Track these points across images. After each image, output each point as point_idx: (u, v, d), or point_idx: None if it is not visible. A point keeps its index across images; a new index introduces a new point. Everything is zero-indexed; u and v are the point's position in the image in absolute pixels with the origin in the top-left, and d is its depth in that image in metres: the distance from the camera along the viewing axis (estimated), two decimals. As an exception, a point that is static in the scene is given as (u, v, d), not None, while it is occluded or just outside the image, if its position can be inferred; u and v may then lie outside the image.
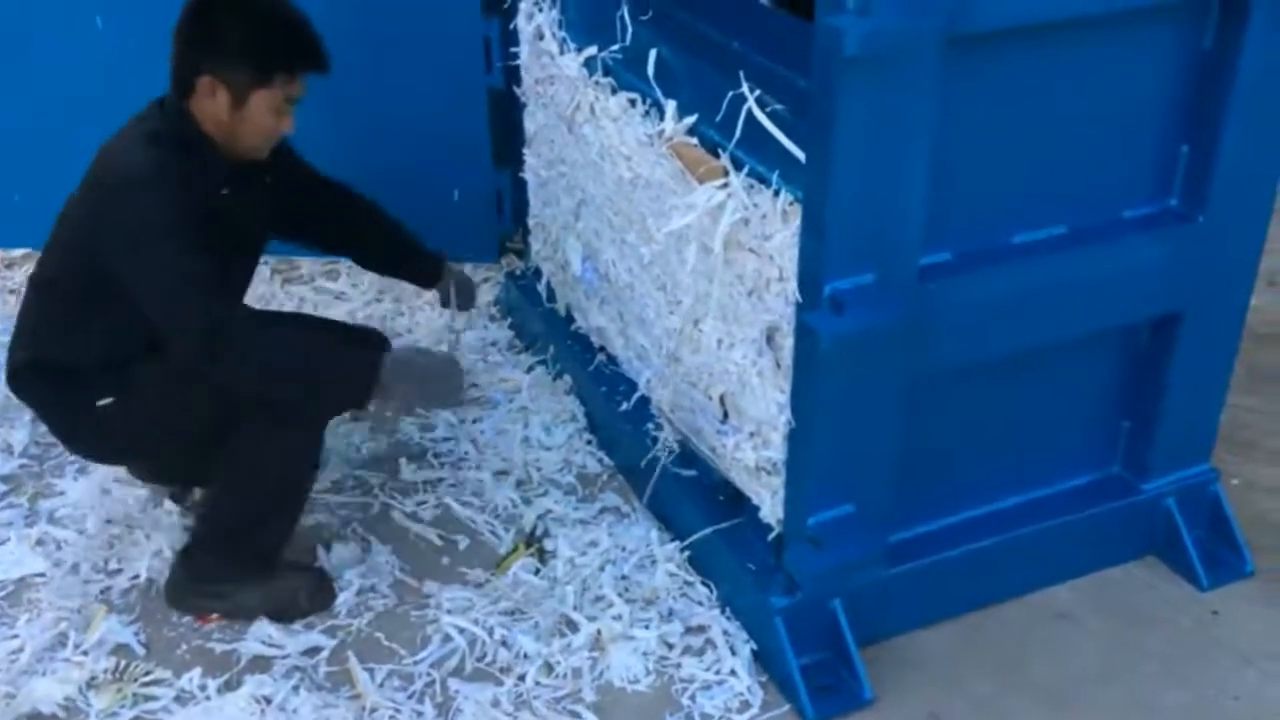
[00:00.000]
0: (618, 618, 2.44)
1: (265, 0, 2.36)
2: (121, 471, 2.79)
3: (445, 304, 2.87)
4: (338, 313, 3.40)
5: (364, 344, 2.71)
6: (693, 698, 2.29)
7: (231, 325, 2.23)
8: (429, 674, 2.35)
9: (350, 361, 2.37)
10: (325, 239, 2.83)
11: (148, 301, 2.26)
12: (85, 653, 2.38)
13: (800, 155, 1.98)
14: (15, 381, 2.47)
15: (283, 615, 2.46)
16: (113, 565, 2.58)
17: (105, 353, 2.37)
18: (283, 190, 2.58)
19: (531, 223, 3.25)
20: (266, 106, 2.34)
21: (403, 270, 2.92)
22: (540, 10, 2.86)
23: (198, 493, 2.73)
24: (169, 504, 2.73)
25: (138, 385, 2.36)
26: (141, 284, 2.25)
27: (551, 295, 3.23)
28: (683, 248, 2.37)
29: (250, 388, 2.28)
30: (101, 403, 2.36)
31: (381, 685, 2.32)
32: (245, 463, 2.35)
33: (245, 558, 2.45)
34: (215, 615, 2.47)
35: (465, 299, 2.90)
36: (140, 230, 2.23)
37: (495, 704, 2.28)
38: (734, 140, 2.16)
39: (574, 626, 2.44)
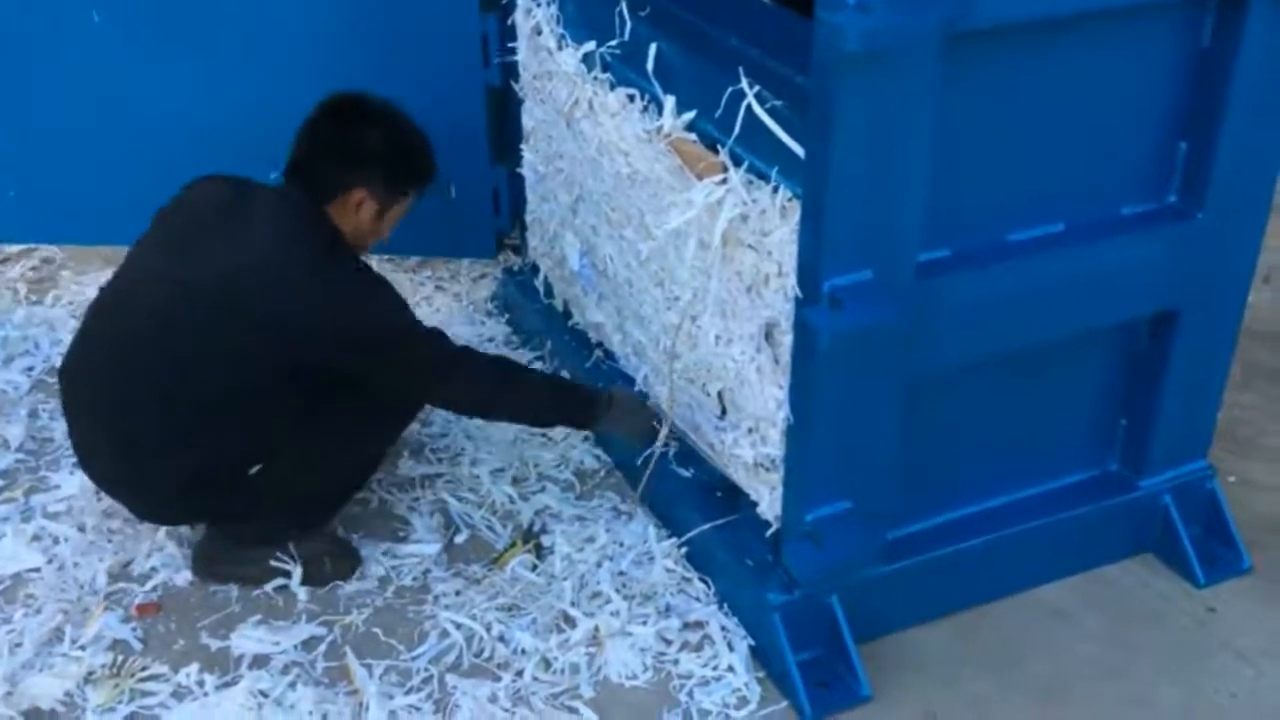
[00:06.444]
0: (615, 614, 2.44)
1: (403, 119, 2.50)
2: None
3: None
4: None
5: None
6: (690, 694, 2.30)
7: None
8: (426, 670, 2.35)
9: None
10: None
11: (395, 369, 2.40)
12: (83, 648, 2.37)
13: (799, 151, 1.98)
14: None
15: (309, 580, 2.53)
16: (109, 560, 2.58)
17: (247, 443, 2.39)
18: None
19: (529, 218, 3.25)
20: (397, 218, 2.53)
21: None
22: (538, 6, 2.86)
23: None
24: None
25: (281, 451, 2.40)
26: (386, 364, 2.38)
27: (549, 291, 3.23)
28: (681, 244, 2.37)
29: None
30: (252, 471, 2.40)
31: (379, 681, 2.32)
32: (340, 436, 2.43)
33: (297, 524, 2.53)
34: (154, 605, 2.48)
35: (631, 422, 2.67)
36: (368, 331, 2.33)
37: (493, 700, 2.28)
38: (733, 136, 2.15)
39: (571, 622, 2.44)
